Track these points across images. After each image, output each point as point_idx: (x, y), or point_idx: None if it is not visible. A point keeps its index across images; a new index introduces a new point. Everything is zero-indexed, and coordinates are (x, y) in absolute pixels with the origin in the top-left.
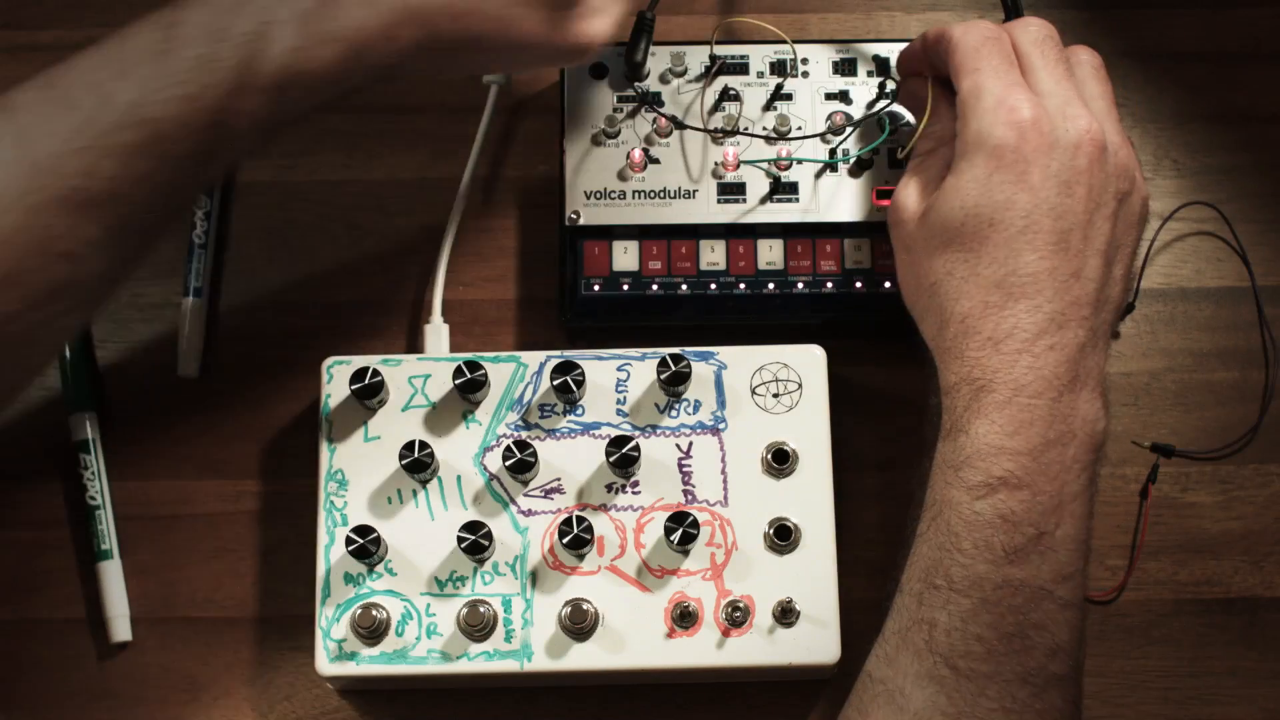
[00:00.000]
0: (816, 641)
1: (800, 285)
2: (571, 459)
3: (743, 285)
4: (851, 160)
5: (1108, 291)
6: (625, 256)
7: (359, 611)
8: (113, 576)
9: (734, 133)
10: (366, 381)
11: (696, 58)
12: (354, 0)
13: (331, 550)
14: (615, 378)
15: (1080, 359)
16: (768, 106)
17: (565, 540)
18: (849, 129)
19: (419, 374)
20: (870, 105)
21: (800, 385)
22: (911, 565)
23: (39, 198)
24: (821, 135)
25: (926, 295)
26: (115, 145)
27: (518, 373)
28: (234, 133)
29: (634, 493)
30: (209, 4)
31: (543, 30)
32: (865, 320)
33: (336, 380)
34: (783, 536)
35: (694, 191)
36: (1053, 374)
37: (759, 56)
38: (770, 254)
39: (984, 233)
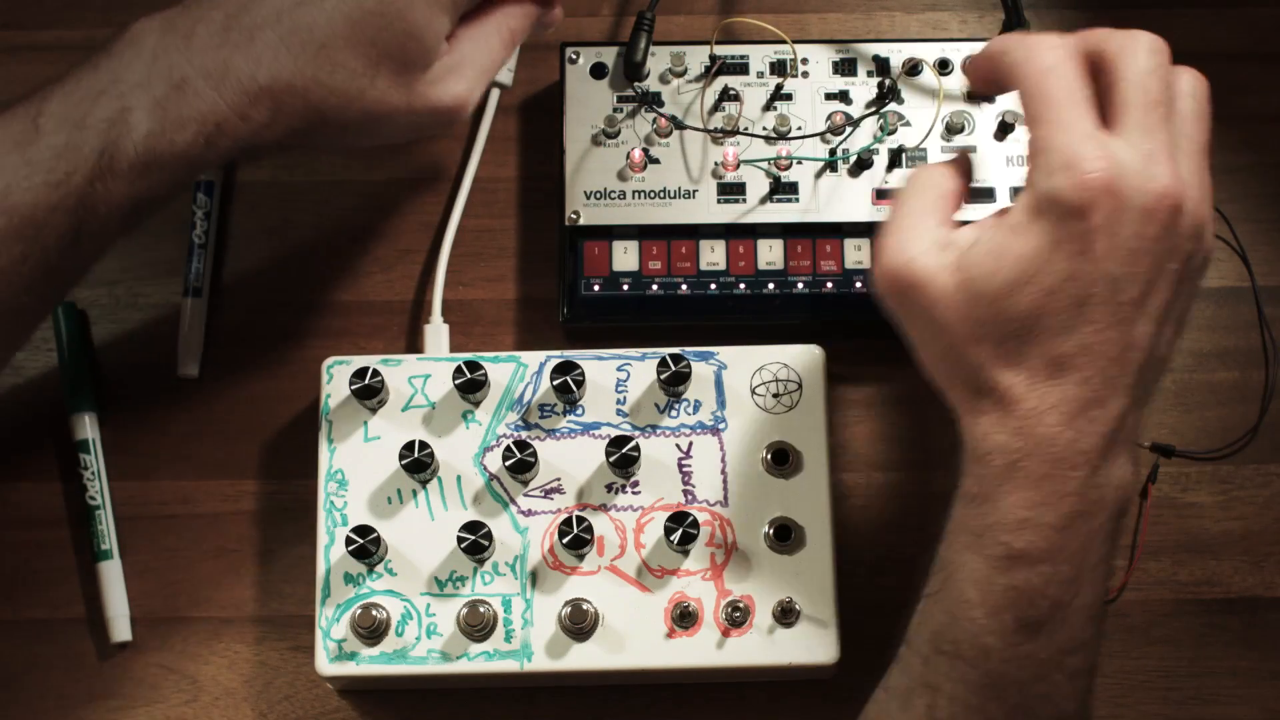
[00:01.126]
0: (816, 641)
1: (800, 285)
2: (571, 459)
3: (743, 285)
4: (851, 160)
5: (1156, 354)
6: (625, 256)
7: (359, 611)
8: (113, 576)
9: (734, 133)
10: (366, 381)
11: (696, 58)
12: (205, 84)
13: (331, 550)
14: (615, 378)
15: (1121, 427)
16: (768, 106)
17: (565, 540)
18: (849, 129)
19: (419, 374)
20: (870, 105)
21: (800, 385)
22: (920, 623)
23: None
24: (821, 135)
25: (964, 366)
26: None
27: (518, 373)
28: (100, 215)
29: (634, 493)
30: (69, 94)
31: (397, 99)
32: (865, 320)
33: (336, 380)
34: (783, 536)
35: (694, 191)
36: (1092, 446)
37: (759, 56)
38: (770, 254)
39: (1040, 302)
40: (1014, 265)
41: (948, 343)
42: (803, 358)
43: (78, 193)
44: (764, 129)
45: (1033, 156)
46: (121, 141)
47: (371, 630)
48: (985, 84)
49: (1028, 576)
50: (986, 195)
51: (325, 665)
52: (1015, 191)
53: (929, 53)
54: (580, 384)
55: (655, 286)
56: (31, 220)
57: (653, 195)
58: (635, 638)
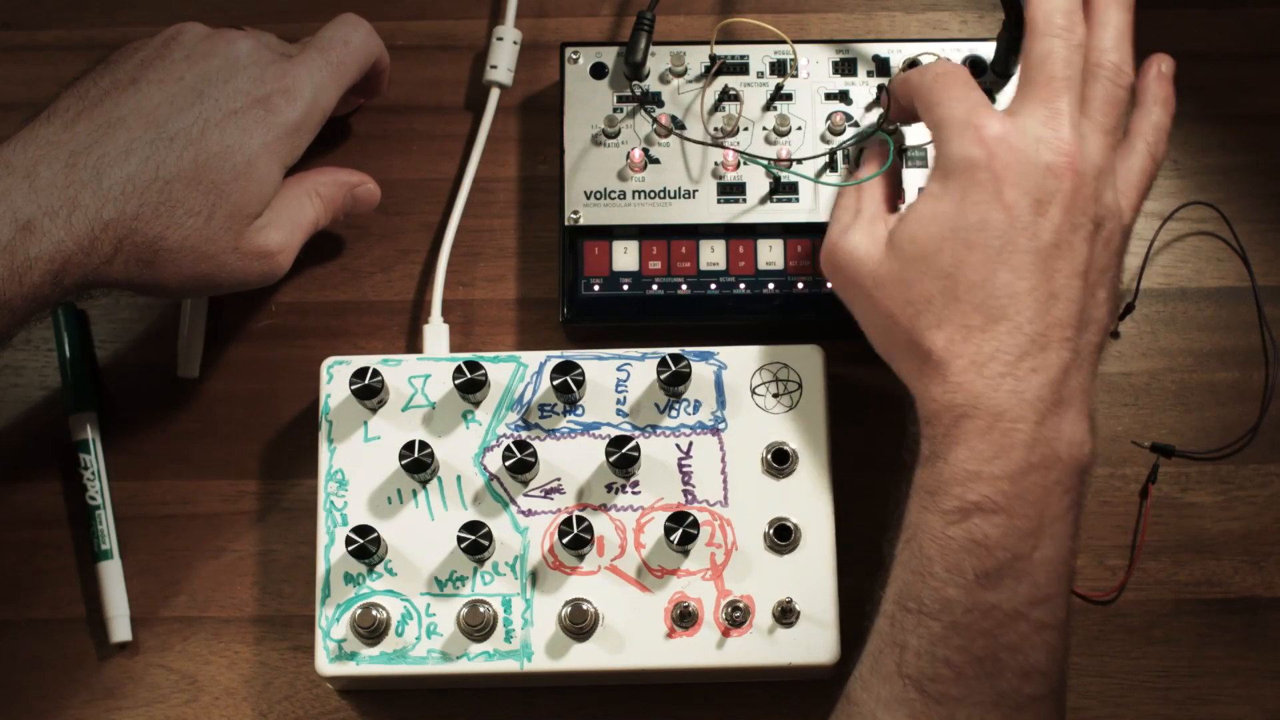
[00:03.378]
0: (816, 641)
1: (800, 285)
2: (571, 459)
3: (743, 285)
4: (855, 151)
5: (1090, 313)
6: (625, 256)
7: (359, 611)
8: (113, 576)
9: (734, 132)
10: (366, 381)
11: (696, 58)
12: (51, 223)
13: (331, 550)
14: (615, 378)
15: (1064, 381)
16: (768, 106)
17: (565, 540)
18: (849, 129)
19: (419, 374)
20: (869, 106)
21: (800, 385)
22: (887, 588)
23: None
24: (821, 136)
25: (904, 330)
26: None
27: (518, 373)
28: None
29: (634, 493)
30: None
31: (227, 241)
32: None
33: (336, 380)
34: (783, 536)
35: (694, 191)
36: (1035, 396)
37: (759, 56)
38: (770, 254)
39: (960, 255)
40: (933, 225)
41: (886, 312)
42: (803, 358)
43: None
44: (764, 129)
45: (935, 136)
46: None
47: (371, 630)
48: (900, 111)
49: (983, 528)
50: None
51: (325, 665)
52: None
53: (929, 53)
54: (580, 384)
55: (655, 286)
56: None
57: (653, 195)
58: (635, 638)
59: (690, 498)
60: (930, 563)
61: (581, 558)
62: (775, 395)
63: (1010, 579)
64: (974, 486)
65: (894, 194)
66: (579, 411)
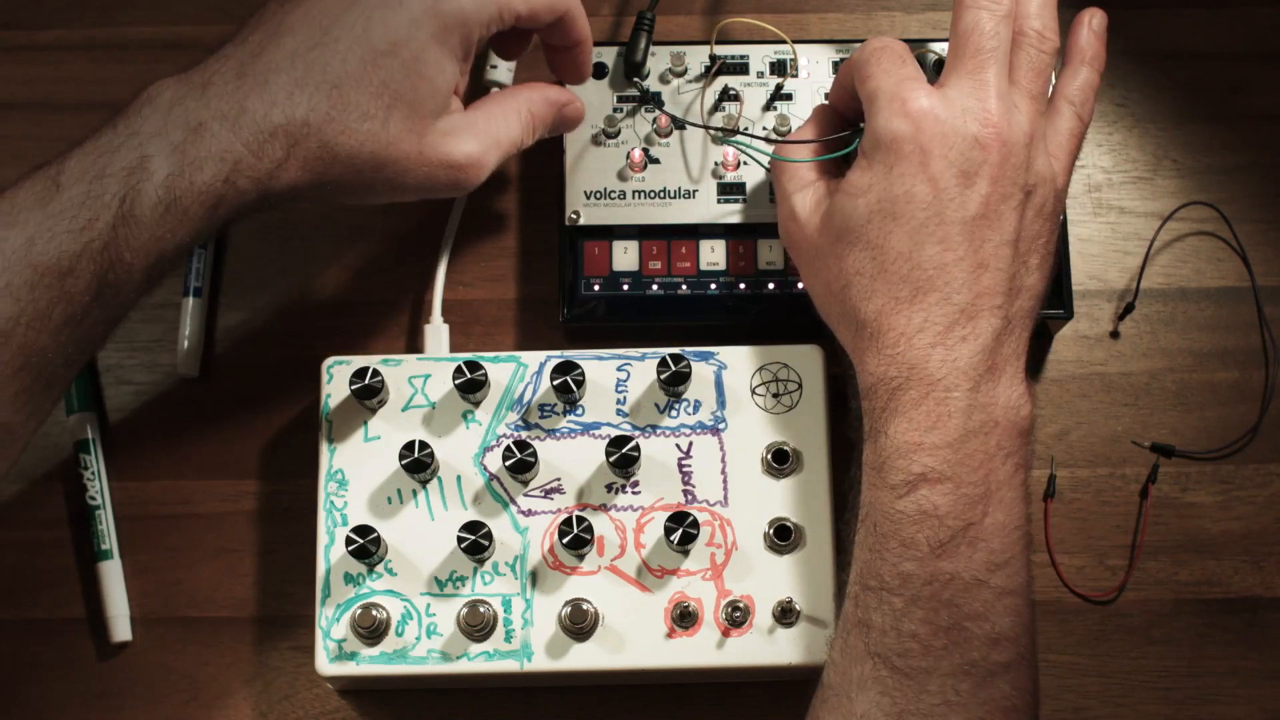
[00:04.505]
0: (816, 641)
1: (800, 285)
2: (571, 459)
3: (743, 285)
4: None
5: (1021, 280)
6: (625, 256)
7: (359, 611)
8: (113, 576)
9: (734, 132)
10: (366, 381)
11: (696, 58)
12: (220, 126)
13: (331, 550)
14: (615, 378)
15: (997, 348)
16: (768, 106)
17: (565, 540)
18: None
19: (419, 374)
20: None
21: (800, 385)
22: (851, 569)
23: None
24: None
25: (838, 301)
26: (6, 287)
27: (518, 373)
28: (124, 264)
29: (634, 493)
30: (88, 152)
31: (408, 145)
32: None
33: (336, 380)
34: (783, 536)
35: (694, 191)
36: (968, 364)
37: (759, 56)
38: (770, 254)
39: (888, 227)
40: (861, 198)
41: (824, 282)
42: (803, 358)
43: (101, 239)
44: (764, 129)
45: (866, 108)
46: (142, 186)
47: (371, 630)
48: (844, 99)
49: (931, 499)
50: None
51: (325, 665)
52: None
53: (930, 51)
54: (580, 384)
55: (655, 286)
56: (56, 269)
57: (653, 195)
58: (635, 638)
59: (690, 498)
60: (885, 539)
61: (581, 558)
62: (775, 395)
63: (965, 547)
64: (917, 458)
65: (835, 164)
66: (579, 411)
